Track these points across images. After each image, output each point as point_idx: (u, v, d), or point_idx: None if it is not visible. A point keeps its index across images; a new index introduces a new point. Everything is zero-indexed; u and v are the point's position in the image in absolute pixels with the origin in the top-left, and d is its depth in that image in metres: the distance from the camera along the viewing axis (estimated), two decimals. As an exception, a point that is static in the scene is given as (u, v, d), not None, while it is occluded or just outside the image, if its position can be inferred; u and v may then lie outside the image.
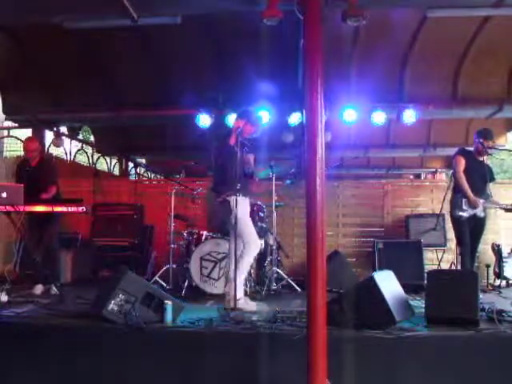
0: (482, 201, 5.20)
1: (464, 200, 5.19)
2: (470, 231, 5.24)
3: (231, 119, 7.33)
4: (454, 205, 5.27)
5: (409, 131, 8.79)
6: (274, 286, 5.74)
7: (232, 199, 4.48)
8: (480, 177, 5.28)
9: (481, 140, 5.26)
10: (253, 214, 5.87)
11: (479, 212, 5.21)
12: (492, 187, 5.45)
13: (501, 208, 5.39)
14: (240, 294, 4.49)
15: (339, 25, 4.48)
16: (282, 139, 8.18)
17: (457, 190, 5.31)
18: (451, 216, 5.35)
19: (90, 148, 12.70)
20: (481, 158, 5.36)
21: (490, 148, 5.27)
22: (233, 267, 4.39)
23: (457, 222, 5.28)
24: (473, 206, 5.17)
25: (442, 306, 3.69)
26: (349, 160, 11.26)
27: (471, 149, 5.43)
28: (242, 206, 4.51)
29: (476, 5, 5.48)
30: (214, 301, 4.89)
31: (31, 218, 5.25)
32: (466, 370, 3.31)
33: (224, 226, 5.25)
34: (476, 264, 5.30)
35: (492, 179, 5.48)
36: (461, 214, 5.19)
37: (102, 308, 3.63)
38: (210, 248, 5.57)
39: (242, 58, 6.99)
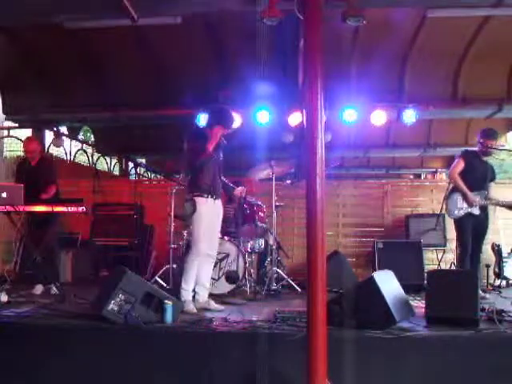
0: (477, 198, 5.22)
1: (459, 198, 5.23)
2: (472, 231, 5.24)
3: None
4: (449, 204, 5.32)
5: (409, 131, 8.78)
6: (274, 286, 5.74)
7: (198, 199, 4.51)
8: (481, 176, 5.33)
9: (481, 140, 5.29)
10: (253, 214, 5.89)
11: (475, 210, 5.22)
12: (492, 187, 5.46)
13: (497, 204, 5.41)
14: (188, 296, 4.51)
15: (339, 25, 4.48)
16: (282, 139, 8.18)
17: (453, 190, 5.37)
18: (449, 216, 5.42)
19: (90, 148, 12.70)
20: (484, 158, 5.39)
21: (492, 148, 5.28)
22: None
23: (457, 222, 5.31)
24: (470, 203, 5.19)
25: (441, 306, 3.69)
26: (349, 160, 11.27)
27: (475, 149, 5.45)
28: (205, 208, 4.54)
29: (476, 5, 5.48)
30: (214, 301, 4.88)
31: (31, 217, 5.25)
32: (466, 370, 3.31)
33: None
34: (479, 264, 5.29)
35: (493, 179, 5.49)
36: (456, 212, 5.23)
37: (102, 308, 3.63)
38: (209, 248, 5.55)
39: (242, 57, 6.99)
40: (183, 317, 4.02)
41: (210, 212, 4.60)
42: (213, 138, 4.57)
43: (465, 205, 5.23)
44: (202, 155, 4.52)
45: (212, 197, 4.61)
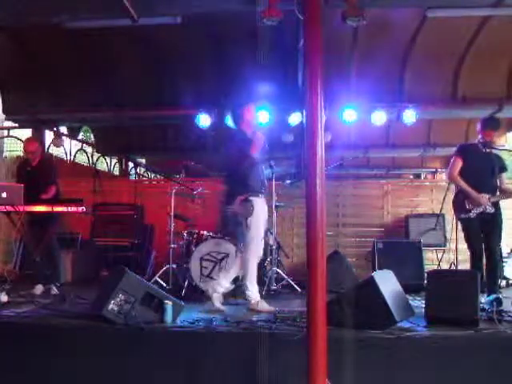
0: (487, 196, 4.67)
1: (466, 200, 4.76)
2: (482, 229, 4.76)
3: (229, 122, 7.29)
4: (457, 207, 4.86)
5: (409, 131, 8.79)
6: (273, 286, 5.74)
7: (254, 199, 4.49)
8: (486, 170, 4.80)
9: (482, 130, 4.85)
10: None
11: (488, 208, 4.69)
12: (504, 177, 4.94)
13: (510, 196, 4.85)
14: (258, 295, 4.55)
15: (339, 25, 4.48)
16: (282, 139, 8.18)
17: (458, 190, 4.87)
18: (457, 218, 4.93)
19: (90, 148, 12.70)
20: (486, 150, 4.83)
21: (493, 139, 4.83)
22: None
23: (463, 223, 4.85)
24: (477, 204, 4.68)
25: (441, 306, 3.69)
26: (349, 160, 11.27)
27: (474, 141, 4.99)
28: (261, 207, 4.55)
29: (476, 5, 5.49)
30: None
31: (31, 218, 5.24)
32: (465, 370, 3.31)
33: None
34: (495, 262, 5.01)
35: (502, 169, 4.88)
36: (466, 216, 4.77)
37: (102, 308, 3.63)
38: (209, 248, 5.55)
39: (242, 57, 7.00)
40: (182, 317, 4.02)
41: (264, 211, 4.62)
42: (249, 120, 4.67)
43: (473, 206, 4.71)
44: (252, 150, 4.49)
45: (264, 195, 4.63)
